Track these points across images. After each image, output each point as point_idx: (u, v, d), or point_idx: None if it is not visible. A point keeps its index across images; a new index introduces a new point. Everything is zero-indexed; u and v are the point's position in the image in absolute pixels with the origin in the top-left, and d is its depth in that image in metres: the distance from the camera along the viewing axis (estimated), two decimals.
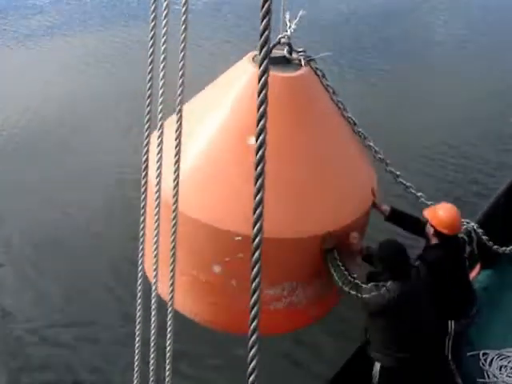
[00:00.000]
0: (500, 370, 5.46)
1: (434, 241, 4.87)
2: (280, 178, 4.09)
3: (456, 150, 10.83)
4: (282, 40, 4.44)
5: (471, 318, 5.13)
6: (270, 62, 4.16)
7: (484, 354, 5.61)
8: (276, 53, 4.43)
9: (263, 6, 1.57)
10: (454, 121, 11.50)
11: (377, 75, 13.61)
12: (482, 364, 5.52)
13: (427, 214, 4.91)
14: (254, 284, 1.59)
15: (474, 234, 5.86)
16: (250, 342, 1.58)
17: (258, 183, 1.57)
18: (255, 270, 1.58)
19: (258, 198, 1.57)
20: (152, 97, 2.60)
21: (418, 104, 12.12)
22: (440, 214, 4.82)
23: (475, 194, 9.43)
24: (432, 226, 4.84)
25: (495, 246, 6.03)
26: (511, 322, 5.97)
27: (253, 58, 4.45)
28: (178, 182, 2.77)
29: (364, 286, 4.34)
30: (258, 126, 1.58)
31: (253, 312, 1.58)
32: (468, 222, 5.78)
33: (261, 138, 1.58)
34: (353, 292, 4.33)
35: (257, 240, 1.58)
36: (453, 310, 4.90)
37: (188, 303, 4.53)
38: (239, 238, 4.04)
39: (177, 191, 2.75)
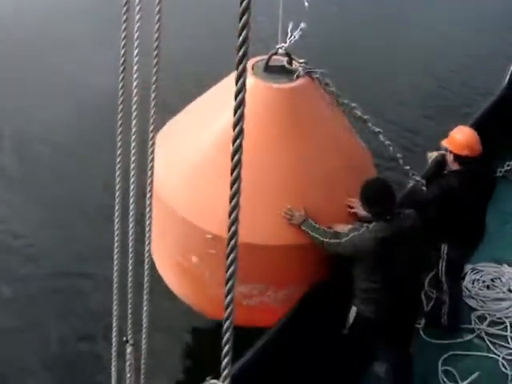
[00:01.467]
0: (473, 283, 5.55)
1: (455, 167, 4.80)
2: (262, 186, 4.36)
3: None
4: (280, 51, 4.54)
5: (473, 249, 5.14)
6: (268, 70, 4.44)
7: None
8: (278, 61, 4.56)
9: (241, 19, 1.53)
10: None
11: None
12: None
13: (445, 142, 4.84)
14: (228, 285, 1.64)
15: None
16: (224, 338, 1.65)
17: (233, 188, 1.59)
18: (230, 271, 1.63)
19: (233, 202, 1.60)
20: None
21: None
22: (457, 137, 4.78)
23: None
24: (451, 152, 4.78)
25: None
26: (485, 238, 5.98)
27: (252, 67, 4.54)
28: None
29: (343, 232, 4.22)
30: (234, 130, 1.59)
31: (227, 311, 1.64)
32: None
33: (237, 142, 1.59)
34: (333, 240, 4.20)
35: (231, 243, 1.62)
36: (460, 237, 4.87)
37: (176, 284, 5.09)
38: (210, 236, 4.38)
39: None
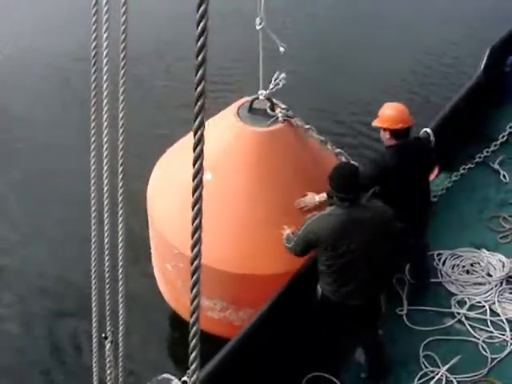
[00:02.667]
0: (452, 268, 5.62)
1: (392, 143, 4.86)
2: (232, 218, 4.91)
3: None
4: (260, 97, 5.03)
5: (425, 222, 5.19)
6: (252, 112, 5.03)
7: (438, 255, 5.76)
8: (263, 103, 5.05)
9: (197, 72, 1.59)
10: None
11: None
12: (437, 264, 5.68)
13: (376, 122, 4.89)
14: (193, 304, 1.73)
15: (432, 137, 5.91)
16: (191, 343, 1.74)
17: (195, 208, 1.66)
18: (194, 290, 1.72)
19: (195, 223, 1.67)
20: None
21: None
22: (387, 113, 4.84)
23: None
24: (385, 129, 4.83)
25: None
26: (465, 224, 6.12)
27: (238, 110, 5.09)
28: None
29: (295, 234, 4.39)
30: (194, 166, 1.65)
31: (192, 320, 1.73)
32: (426, 127, 5.87)
33: (197, 164, 1.65)
34: (294, 237, 4.37)
35: (195, 263, 1.70)
36: (408, 212, 4.83)
37: (162, 289, 5.85)
38: (177, 251, 4.95)
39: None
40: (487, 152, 6.96)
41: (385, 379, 4.87)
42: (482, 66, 7.05)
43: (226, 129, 5.08)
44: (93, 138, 2.82)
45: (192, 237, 1.68)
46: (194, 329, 1.72)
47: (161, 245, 5.41)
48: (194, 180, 1.65)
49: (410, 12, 12.57)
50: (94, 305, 3.09)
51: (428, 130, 5.99)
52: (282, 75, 5.01)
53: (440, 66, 11.03)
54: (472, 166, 6.82)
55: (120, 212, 2.75)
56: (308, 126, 5.12)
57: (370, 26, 12.10)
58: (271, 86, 5.04)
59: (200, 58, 1.56)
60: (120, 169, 2.77)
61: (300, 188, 5.03)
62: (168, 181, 5.31)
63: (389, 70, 10.62)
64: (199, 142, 1.62)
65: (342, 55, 11.10)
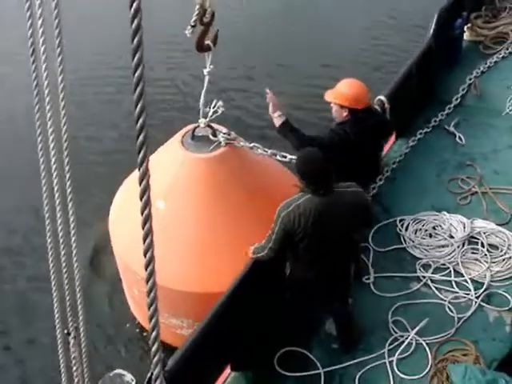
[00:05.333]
0: (415, 233, 5.69)
1: (344, 118, 4.87)
2: (187, 242, 5.25)
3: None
4: (201, 125, 5.32)
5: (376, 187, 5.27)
6: (195, 139, 5.34)
7: (401, 221, 5.82)
8: (205, 130, 5.33)
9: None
10: None
11: None
12: (399, 230, 5.74)
13: (329, 94, 4.87)
14: (152, 322, 1.83)
15: (387, 104, 5.93)
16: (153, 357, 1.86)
17: (145, 227, 1.71)
18: (151, 309, 1.79)
19: (147, 241, 1.72)
20: None
21: None
22: (349, 91, 4.82)
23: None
24: (339, 104, 4.82)
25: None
26: (424, 188, 6.19)
27: (182, 138, 5.37)
28: None
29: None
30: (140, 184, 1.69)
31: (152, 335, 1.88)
32: (381, 94, 5.90)
33: (145, 197, 1.69)
34: (269, 237, 4.33)
35: (149, 283, 1.74)
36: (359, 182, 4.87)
37: (133, 309, 6.30)
38: (139, 277, 5.13)
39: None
40: (442, 115, 7.01)
41: (356, 348, 4.93)
42: (431, 31, 7.07)
43: (172, 157, 5.40)
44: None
45: (146, 268, 1.72)
46: (154, 334, 1.79)
47: (125, 271, 5.78)
48: (142, 213, 1.69)
49: None
50: (55, 300, 3.05)
51: (382, 97, 6.01)
52: (220, 103, 5.25)
53: (393, 31, 11.06)
54: (428, 130, 6.87)
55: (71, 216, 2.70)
56: (251, 145, 5.31)
57: None
58: (210, 114, 5.28)
59: (138, 90, 1.55)
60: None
61: (251, 206, 5.28)
62: (127, 208, 5.50)
63: (341, 40, 10.62)
64: (144, 176, 1.65)
65: (292, 30, 11.05)
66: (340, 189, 4.23)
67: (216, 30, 4.87)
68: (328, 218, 4.16)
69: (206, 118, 5.30)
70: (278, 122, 4.89)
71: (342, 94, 4.86)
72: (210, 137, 5.29)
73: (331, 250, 4.32)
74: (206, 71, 5.07)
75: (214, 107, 5.27)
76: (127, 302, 6.38)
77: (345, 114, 4.85)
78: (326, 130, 5.03)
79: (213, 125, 5.37)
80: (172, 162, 5.38)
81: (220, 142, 5.26)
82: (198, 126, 5.36)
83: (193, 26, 4.70)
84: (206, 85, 5.15)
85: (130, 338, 6.41)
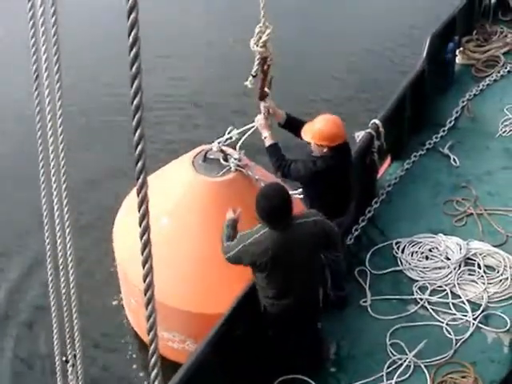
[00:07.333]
0: (412, 255, 5.70)
1: (319, 153, 4.89)
2: (186, 259, 5.34)
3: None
4: (214, 148, 5.41)
5: (349, 213, 5.36)
6: (207, 162, 5.46)
7: (397, 243, 5.83)
8: (217, 154, 5.42)
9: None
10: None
11: None
12: (396, 252, 5.76)
13: (307, 134, 4.89)
14: (151, 334, 1.81)
15: (381, 127, 5.99)
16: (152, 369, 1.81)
17: (143, 238, 1.69)
18: (150, 321, 1.79)
19: (145, 252, 1.71)
20: None
21: None
22: (324, 129, 4.85)
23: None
24: (316, 144, 4.85)
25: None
26: (420, 210, 6.21)
27: (193, 158, 5.45)
28: None
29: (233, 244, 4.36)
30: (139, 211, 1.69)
31: (151, 351, 1.84)
32: (376, 118, 5.97)
33: (142, 209, 1.68)
34: (228, 251, 4.35)
35: (148, 295, 1.76)
36: (333, 211, 4.91)
37: (130, 318, 6.28)
38: (138, 289, 5.12)
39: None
40: (436, 138, 7.06)
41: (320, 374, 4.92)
42: (424, 54, 7.16)
43: (181, 177, 5.52)
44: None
45: (144, 280, 1.73)
46: (154, 350, 1.79)
47: (124, 280, 5.84)
48: (141, 238, 1.68)
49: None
50: (54, 326, 3.06)
51: (377, 121, 6.08)
52: (234, 131, 5.38)
53: (387, 53, 11.10)
54: (423, 152, 6.92)
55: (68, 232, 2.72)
56: (257, 177, 5.40)
57: (320, 14, 12.10)
58: (224, 140, 5.41)
59: (136, 117, 1.56)
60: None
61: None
62: (130, 220, 5.49)
63: (336, 56, 10.67)
64: (142, 203, 1.66)
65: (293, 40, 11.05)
66: (300, 220, 4.30)
67: (271, 76, 4.92)
68: (287, 252, 4.22)
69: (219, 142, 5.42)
70: (266, 142, 5.06)
71: (319, 133, 4.88)
72: (221, 161, 5.38)
73: (295, 280, 4.35)
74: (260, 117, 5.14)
75: (228, 133, 5.39)
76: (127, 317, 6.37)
77: (325, 150, 4.88)
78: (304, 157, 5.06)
79: (225, 149, 5.46)
80: (181, 181, 5.51)
81: (230, 168, 5.35)
82: (211, 149, 5.44)
83: (254, 76, 4.81)
84: (252, 129, 5.28)
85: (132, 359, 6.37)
